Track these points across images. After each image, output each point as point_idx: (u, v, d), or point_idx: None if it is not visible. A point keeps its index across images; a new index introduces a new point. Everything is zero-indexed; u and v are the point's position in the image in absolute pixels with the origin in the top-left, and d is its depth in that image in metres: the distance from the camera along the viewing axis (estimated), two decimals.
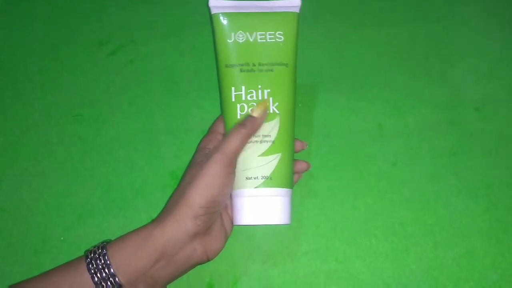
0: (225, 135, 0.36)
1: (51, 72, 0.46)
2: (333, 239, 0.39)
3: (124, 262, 0.31)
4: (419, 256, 0.39)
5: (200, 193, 0.32)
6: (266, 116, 0.36)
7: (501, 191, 0.41)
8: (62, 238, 0.39)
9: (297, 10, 0.38)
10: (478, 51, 0.48)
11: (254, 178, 0.35)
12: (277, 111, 0.36)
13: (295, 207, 0.40)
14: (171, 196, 0.35)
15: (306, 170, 0.40)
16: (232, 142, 0.34)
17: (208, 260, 0.34)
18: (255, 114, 0.35)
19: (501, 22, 0.50)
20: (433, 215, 0.40)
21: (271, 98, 0.36)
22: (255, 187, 0.35)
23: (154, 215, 0.37)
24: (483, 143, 0.43)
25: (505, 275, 0.38)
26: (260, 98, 0.36)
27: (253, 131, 0.35)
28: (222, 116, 0.39)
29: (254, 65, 0.36)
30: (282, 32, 0.37)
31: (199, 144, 0.38)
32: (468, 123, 0.44)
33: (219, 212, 0.34)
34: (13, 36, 0.49)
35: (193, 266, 0.34)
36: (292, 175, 0.37)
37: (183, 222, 0.32)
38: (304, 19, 0.39)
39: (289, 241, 0.39)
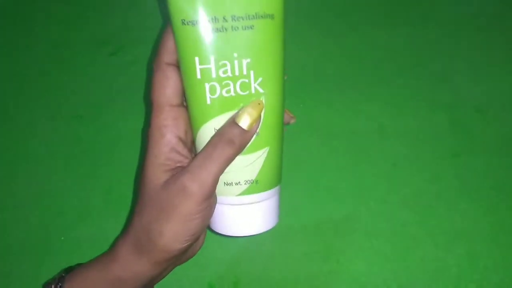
0: (206, 152, 0.26)
1: (52, 72, 0.46)
2: (334, 240, 0.39)
3: None
4: (420, 258, 0.38)
5: (174, 238, 0.26)
6: (259, 122, 0.27)
7: (502, 193, 0.41)
8: (62, 238, 0.39)
9: None
10: (479, 51, 0.48)
11: (236, 184, 0.28)
12: (260, 90, 0.26)
13: (296, 208, 0.40)
14: (132, 221, 0.28)
15: (290, 122, 0.33)
16: (215, 169, 0.26)
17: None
18: (246, 125, 0.26)
19: (502, 22, 0.50)
20: (434, 217, 0.40)
21: (262, 98, 0.26)
22: (237, 195, 0.28)
23: None
24: (484, 144, 0.43)
25: (506, 277, 0.38)
26: (237, 73, 0.25)
27: (243, 148, 0.27)
28: (160, 62, 0.27)
29: (225, 20, 0.25)
30: None
31: (150, 129, 0.28)
32: (469, 124, 0.44)
33: None
34: (14, 37, 0.49)
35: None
36: (281, 169, 0.30)
37: (153, 266, 0.27)
38: (304, 19, 0.39)
39: (290, 241, 0.39)
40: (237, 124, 0.26)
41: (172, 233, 0.26)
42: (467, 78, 0.47)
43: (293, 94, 0.43)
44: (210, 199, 0.27)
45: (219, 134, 0.26)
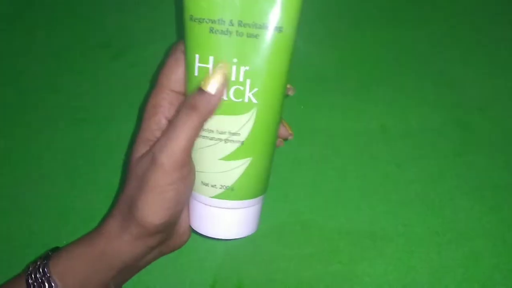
0: (172, 122, 0.27)
1: (54, 75, 0.47)
2: (337, 241, 0.39)
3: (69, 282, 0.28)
4: (424, 258, 0.38)
5: (149, 212, 0.26)
6: (225, 87, 0.25)
7: (506, 192, 0.41)
8: (65, 242, 0.39)
9: None
10: (481, 50, 0.48)
11: (212, 186, 0.28)
12: (254, 100, 0.26)
13: (299, 208, 0.40)
14: (123, 191, 0.29)
15: (288, 138, 0.33)
16: (181, 137, 0.25)
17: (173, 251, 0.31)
18: (210, 87, 0.25)
19: (504, 21, 0.50)
20: (438, 216, 0.40)
21: (254, 109, 0.25)
22: (211, 197, 0.28)
23: None
24: (487, 144, 0.43)
25: (510, 276, 0.38)
26: (233, 78, 0.25)
27: (208, 114, 0.25)
28: (177, 49, 0.28)
29: (231, 23, 0.24)
30: None
31: (146, 105, 0.29)
32: (472, 124, 0.44)
33: (180, 215, 0.29)
34: (16, 40, 0.49)
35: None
36: (264, 182, 0.29)
37: (133, 242, 0.27)
38: (305, 19, 0.39)
39: (293, 243, 0.39)
40: (200, 89, 0.25)
41: (147, 206, 0.26)
42: (469, 77, 0.46)
43: (294, 95, 0.43)
44: (181, 170, 0.26)
45: (183, 102, 0.26)
